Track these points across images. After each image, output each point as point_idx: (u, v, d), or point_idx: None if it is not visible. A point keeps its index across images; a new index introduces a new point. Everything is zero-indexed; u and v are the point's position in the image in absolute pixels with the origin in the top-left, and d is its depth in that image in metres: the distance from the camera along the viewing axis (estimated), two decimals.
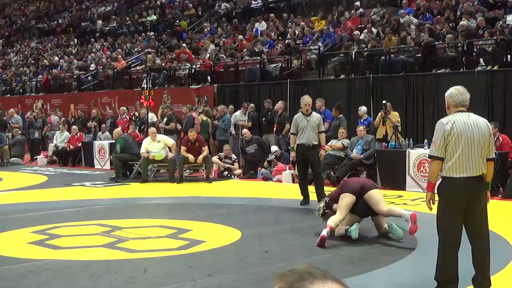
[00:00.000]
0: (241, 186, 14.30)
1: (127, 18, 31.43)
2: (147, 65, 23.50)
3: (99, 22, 32.49)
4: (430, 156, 5.72)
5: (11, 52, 34.82)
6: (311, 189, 10.98)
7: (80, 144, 19.17)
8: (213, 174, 15.36)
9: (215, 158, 15.72)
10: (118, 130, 16.96)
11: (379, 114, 14.41)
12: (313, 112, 11.39)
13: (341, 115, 15.13)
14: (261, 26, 23.01)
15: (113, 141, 16.75)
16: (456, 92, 5.67)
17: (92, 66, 26.30)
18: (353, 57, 17.52)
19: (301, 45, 19.90)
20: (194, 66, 21.58)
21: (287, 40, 20.64)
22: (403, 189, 12.52)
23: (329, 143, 13.86)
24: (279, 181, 14.42)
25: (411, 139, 13.70)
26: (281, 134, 16.20)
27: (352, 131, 14.58)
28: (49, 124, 22.18)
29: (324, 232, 7.70)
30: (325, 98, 15.90)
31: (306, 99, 11.05)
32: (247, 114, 17.52)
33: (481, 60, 15.19)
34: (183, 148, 15.00)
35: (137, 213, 10.85)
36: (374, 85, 16.37)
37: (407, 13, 18.63)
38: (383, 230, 8.11)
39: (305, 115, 10.83)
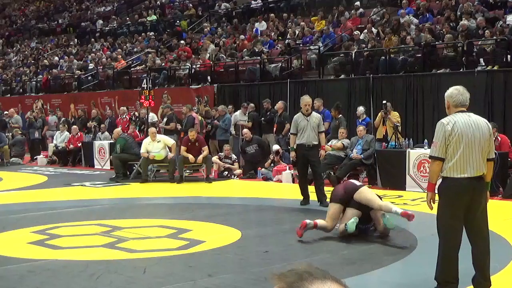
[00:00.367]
0: (241, 186, 14.30)
1: (127, 18, 31.43)
2: (147, 65, 23.51)
3: (99, 22, 32.50)
4: (431, 157, 5.71)
5: (11, 52, 34.81)
6: (311, 189, 10.97)
7: (80, 144, 19.17)
8: (213, 174, 15.36)
9: (215, 158, 15.72)
10: (118, 130, 16.96)
11: (379, 114, 14.40)
12: (313, 112, 11.39)
13: (340, 115, 15.13)
14: (261, 26, 23.01)
15: (113, 141, 16.75)
16: (456, 92, 5.67)
17: (91, 65, 26.29)
18: (353, 57, 17.53)
19: (301, 45, 19.90)
20: (194, 66, 21.59)
21: (287, 40, 20.64)
22: (403, 189, 12.52)
23: (329, 143, 13.87)
24: (279, 181, 14.42)
25: (411, 139, 13.70)
26: (281, 134, 16.20)
27: (352, 131, 14.59)
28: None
29: (307, 220, 7.99)
30: (325, 98, 15.90)
31: (306, 99, 11.05)
32: (247, 114, 17.52)
33: (481, 60, 15.19)
34: (183, 148, 15.00)
35: (137, 213, 10.85)
36: (374, 85, 16.38)
37: (407, 13, 18.63)
38: (381, 227, 8.10)
39: (305, 115, 10.83)
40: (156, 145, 14.88)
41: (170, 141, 15.40)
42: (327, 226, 8.10)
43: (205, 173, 15.06)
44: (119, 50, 27.04)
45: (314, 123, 10.79)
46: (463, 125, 5.52)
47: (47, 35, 35.04)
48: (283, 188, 13.61)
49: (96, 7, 35.73)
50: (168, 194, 13.21)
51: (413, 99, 15.71)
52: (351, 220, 7.87)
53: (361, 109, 14.93)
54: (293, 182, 13.57)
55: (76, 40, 32.16)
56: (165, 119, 17.75)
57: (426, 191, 6.00)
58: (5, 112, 22.95)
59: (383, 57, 16.85)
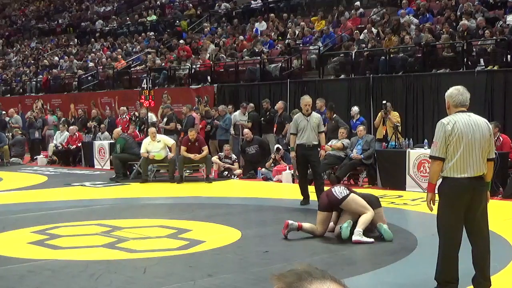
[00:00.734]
0: (241, 186, 14.30)
1: (127, 18, 31.43)
2: (147, 65, 23.51)
3: (99, 22, 32.50)
4: (431, 157, 5.71)
5: (11, 52, 34.81)
6: (311, 189, 10.97)
7: (80, 144, 19.17)
8: (213, 174, 15.36)
9: (215, 158, 15.72)
10: (118, 130, 16.95)
11: (379, 114, 14.40)
12: (313, 112, 11.39)
13: (335, 115, 15.05)
14: (261, 26, 23.01)
15: (113, 141, 16.75)
16: (456, 92, 5.66)
17: (91, 65, 26.29)
18: (353, 57, 17.53)
19: (301, 45, 19.90)
20: (194, 66, 21.59)
21: (287, 40, 20.64)
22: (403, 189, 12.51)
23: (329, 143, 13.86)
24: (279, 181, 14.42)
25: (411, 139, 13.70)
26: (281, 134, 16.20)
27: (348, 131, 14.56)
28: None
29: (289, 221, 8.03)
30: (325, 98, 15.88)
31: (306, 99, 11.04)
32: (246, 114, 17.51)
33: (481, 60, 15.19)
34: (183, 148, 15.00)
35: (137, 213, 10.85)
36: (374, 85, 16.38)
37: (407, 13, 18.63)
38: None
39: (305, 115, 10.83)
40: (156, 145, 14.88)
41: (170, 141, 15.40)
42: (316, 231, 8.10)
43: (205, 173, 15.06)
44: (119, 50, 27.04)
45: (314, 123, 10.78)
46: (463, 125, 5.51)
47: (47, 35, 35.04)
48: (283, 188, 13.61)
49: (96, 7, 35.73)
50: (168, 194, 13.21)
51: (413, 99, 15.72)
52: (345, 224, 7.80)
53: (355, 109, 14.94)
54: (293, 182, 13.56)
55: (76, 40, 32.16)
56: (165, 119, 17.75)
57: (426, 191, 6.00)
58: (3, 112, 22.94)
59: (383, 57, 16.85)
